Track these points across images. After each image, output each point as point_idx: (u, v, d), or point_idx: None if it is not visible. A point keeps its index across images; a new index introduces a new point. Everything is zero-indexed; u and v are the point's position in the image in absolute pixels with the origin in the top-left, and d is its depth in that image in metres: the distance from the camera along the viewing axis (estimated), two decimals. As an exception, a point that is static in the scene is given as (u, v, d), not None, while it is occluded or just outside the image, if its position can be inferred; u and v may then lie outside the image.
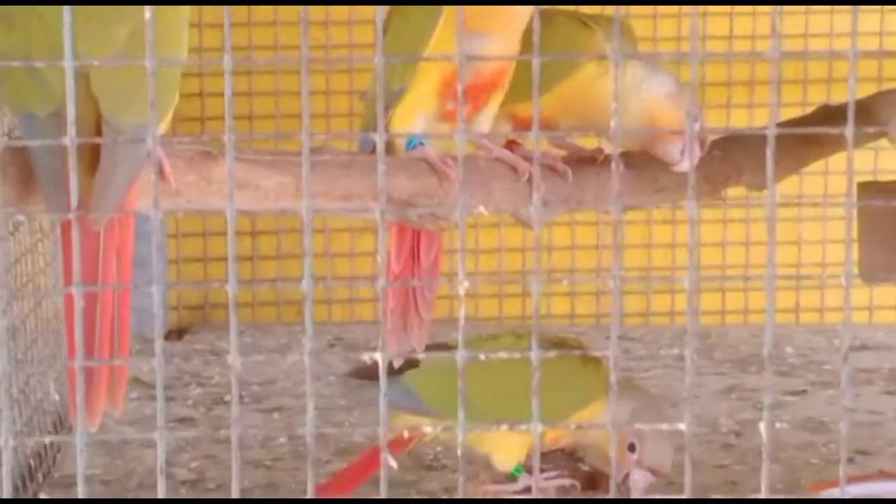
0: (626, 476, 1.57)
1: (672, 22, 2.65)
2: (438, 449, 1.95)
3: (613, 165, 0.85)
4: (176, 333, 2.70)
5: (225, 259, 2.69)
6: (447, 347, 1.62)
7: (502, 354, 0.86)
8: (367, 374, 1.67)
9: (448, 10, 1.40)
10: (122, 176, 1.15)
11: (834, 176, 2.57)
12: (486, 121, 1.46)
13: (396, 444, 1.56)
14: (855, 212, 1.65)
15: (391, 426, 1.62)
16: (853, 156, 0.86)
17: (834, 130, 0.85)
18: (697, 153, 1.49)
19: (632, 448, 1.57)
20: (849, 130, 0.84)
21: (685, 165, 1.48)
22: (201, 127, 2.64)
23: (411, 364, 1.59)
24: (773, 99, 0.86)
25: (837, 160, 2.21)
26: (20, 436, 1.86)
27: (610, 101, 1.44)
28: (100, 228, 1.16)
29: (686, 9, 2.61)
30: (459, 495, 0.86)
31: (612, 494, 1.22)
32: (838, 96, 2.57)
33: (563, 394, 1.53)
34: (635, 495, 1.56)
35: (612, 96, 1.47)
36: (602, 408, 1.55)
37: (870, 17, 2.61)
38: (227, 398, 2.28)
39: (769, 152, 0.86)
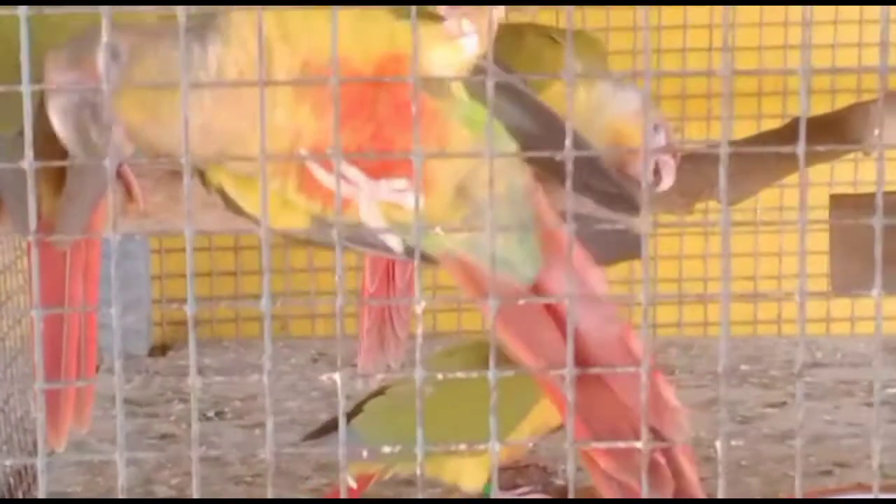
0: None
1: (627, 36, 2.63)
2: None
3: (568, 184, 0.86)
4: (160, 349, 2.71)
5: (209, 274, 2.70)
6: (383, 392, 1.62)
7: (460, 375, 0.86)
8: (327, 430, 1.67)
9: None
10: (86, 196, 1.16)
11: (814, 188, 2.57)
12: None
13: (355, 490, 1.56)
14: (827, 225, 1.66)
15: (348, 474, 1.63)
16: (805, 174, 0.87)
17: (785, 149, 0.86)
18: (671, 168, 1.49)
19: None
20: (800, 148, 0.85)
21: (665, 183, 1.49)
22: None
23: (356, 412, 1.59)
24: (724, 113, 0.87)
25: (819, 171, 2.23)
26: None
27: (580, 118, 1.45)
28: (65, 249, 1.17)
29: (640, 22, 2.60)
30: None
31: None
32: (794, 108, 2.58)
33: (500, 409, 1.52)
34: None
35: (582, 112, 1.49)
36: (545, 416, 1.54)
37: (822, 28, 2.61)
38: (209, 414, 2.29)
39: (722, 170, 0.87)
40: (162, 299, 2.73)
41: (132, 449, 2.24)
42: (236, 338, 2.72)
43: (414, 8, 0.89)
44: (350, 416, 1.59)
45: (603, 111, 1.49)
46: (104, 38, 0.85)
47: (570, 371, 0.85)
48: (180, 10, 0.83)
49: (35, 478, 1.98)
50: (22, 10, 0.83)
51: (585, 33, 1.61)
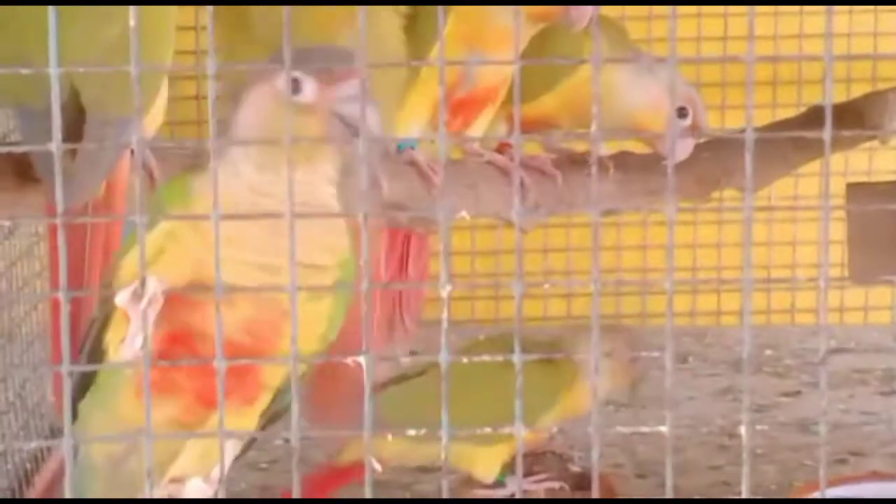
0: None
1: (643, 25, 2.63)
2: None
3: (593, 169, 0.86)
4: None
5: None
6: (404, 378, 1.62)
7: (485, 358, 0.87)
8: None
9: (451, 24, 1.41)
10: (102, 159, 1.16)
11: (831, 177, 2.57)
12: (477, 132, 1.48)
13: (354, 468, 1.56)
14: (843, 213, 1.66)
15: (346, 456, 1.63)
16: (828, 161, 0.87)
17: (811, 134, 0.86)
18: (687, 149, 1.50)
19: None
20: (826, 134, 0.85)
21: (680, 155, 1.50)
22: (198, 130, 2.64)
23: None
24: (749, 101, 0.87)
25: (834, 161, 2.22)
26: (16, 440, 1.87)
27: (608, 100, 1.47)
28: (92, 231, 1.18)
29: (656, 11, 2.60)
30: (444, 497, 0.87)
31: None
32: (809, 98, 2.58)
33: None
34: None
35: (610, 94, 1.50)
36: (573, 405, 1.55)
37: (838, 18, 2.60)
38: (224, 400, 2.29)
39: (748, 156, 0.87)
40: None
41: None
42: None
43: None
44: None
45: (622, 98, 1.50)
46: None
47: (594, 355, 0.86)
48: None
49: (52, 463, 1.99)
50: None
51: (613, 22, 1.61)
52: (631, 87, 1.50)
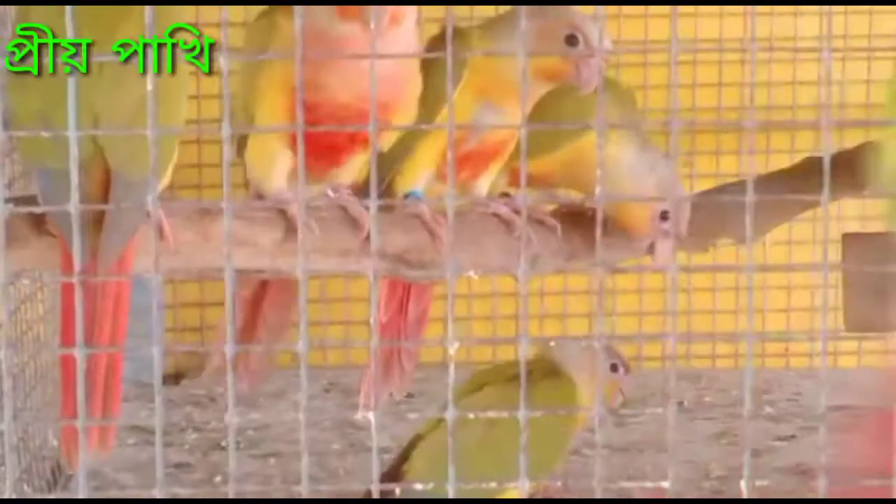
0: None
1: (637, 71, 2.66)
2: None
3: (598, 230, 0.89)
4: (173, 378, 2.73)
5: (222, 304, 2.71)
6: (420, 439, 1.63)
7: (491, 414, 0.89)
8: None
9: (466, 80, 1.44)
10: (125, 227, 1.19)
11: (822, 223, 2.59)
12: (485, 185, 1.51)
13: None
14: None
15: None
16: (827, 220, 0.89)
17: (810, 199, 0.88)
18: (666, 252, 1.54)
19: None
20: (823, 197, 0.88)
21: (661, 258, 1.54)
22: (199, 194, 2.67)
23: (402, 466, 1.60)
24: (750, 163, 0.89)
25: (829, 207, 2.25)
26: (19, 482, 1.88)
27: (611, 172, 1.50)
28: (102, 290, 1.20)
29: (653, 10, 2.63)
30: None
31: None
32: (802, 144, 2.62)
33: (542, 446, 1.54)
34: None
35: (610, 172, 1.53)
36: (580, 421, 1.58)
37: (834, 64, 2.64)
38: (223, 443, 2.31)
39: (748, 218, 0.89)
40: (175, 328, 2.75)
41: (145, 476, 2.27)
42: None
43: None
44: (399, 471, 1.59)
45: (617, 179, 1.53)
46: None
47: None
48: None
49: (54, 506, 2.00)
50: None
51: (622, 86, 1.64)
52: (630, 173, 1.54)
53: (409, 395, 2.25)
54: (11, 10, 1.48)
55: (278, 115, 1.36)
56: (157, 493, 0.90)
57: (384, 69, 1.27)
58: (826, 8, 1.18)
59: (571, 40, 1.45)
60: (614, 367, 1.62)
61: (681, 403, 2.49)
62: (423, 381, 2.13)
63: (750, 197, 0.88)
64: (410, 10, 1.34)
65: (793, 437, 2.31)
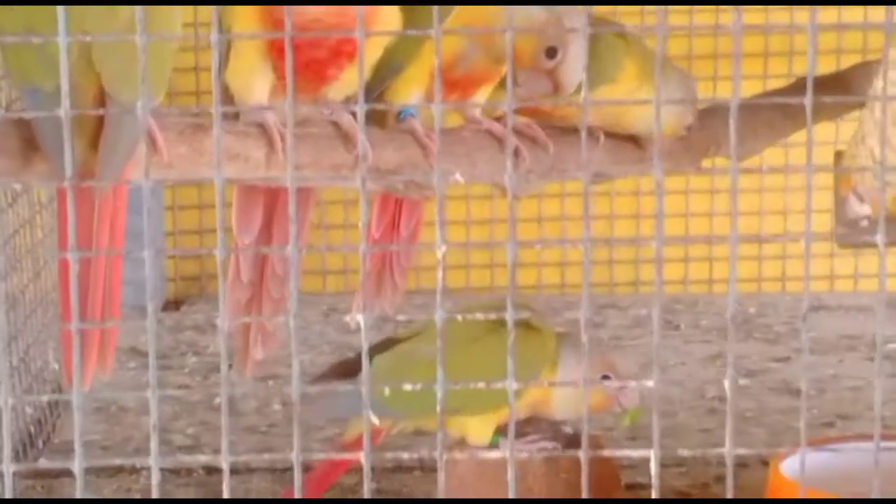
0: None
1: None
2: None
3: (583, 135, 0.89)
4: (173, 304, 2.75)
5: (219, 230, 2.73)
6: (395, 342, 1.64)
7: (478, 316, 0.90)
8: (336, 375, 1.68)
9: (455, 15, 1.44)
10: (124, 148, 1.19)
11: (819, 147, 2.60)
12: (476, 107, 1.51)
13: (360, 443, 1.58)
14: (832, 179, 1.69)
15: (350, 432, 1.65)
16: (811, 126, 0.90)
17: (794, 100, 0.89)
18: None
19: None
20: (808, 100, 0.89)
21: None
22: (196, 101, 2.68)
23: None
24: (736, 72, 0.90)
25: (823, 131, 2.26)
26: (20, 397, 1.90)
27: (640, 117, 1.52)
28: (98, 198, 1.21)
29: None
30: (439, 464, 0.89)
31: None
32: (799, 69, 2.62)
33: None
34: (629, 405, 1.57)
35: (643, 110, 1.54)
36: (554, 376, 1.56)
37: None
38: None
39: (732, 123, 0.90)
40: (174, 231, 2.76)
41: (146, 401, 2.28)
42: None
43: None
44: (355, 369, 1.61)
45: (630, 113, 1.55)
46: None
47: (584, 312, 0.89)
48: None
49: (55, 426, 2.02)
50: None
51: (636, 37, 1.64)
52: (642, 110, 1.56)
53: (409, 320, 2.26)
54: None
55: (252, 29, 1.36)
56: (149, 393, 0.92)
57: None
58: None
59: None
60: (606, 378, 1.57)
61: (677, 327, 2.51)
62: (422, 307, 2.14)
63: (734, 102, 0.88)
64: None
65: (788, 358, 2.33)
